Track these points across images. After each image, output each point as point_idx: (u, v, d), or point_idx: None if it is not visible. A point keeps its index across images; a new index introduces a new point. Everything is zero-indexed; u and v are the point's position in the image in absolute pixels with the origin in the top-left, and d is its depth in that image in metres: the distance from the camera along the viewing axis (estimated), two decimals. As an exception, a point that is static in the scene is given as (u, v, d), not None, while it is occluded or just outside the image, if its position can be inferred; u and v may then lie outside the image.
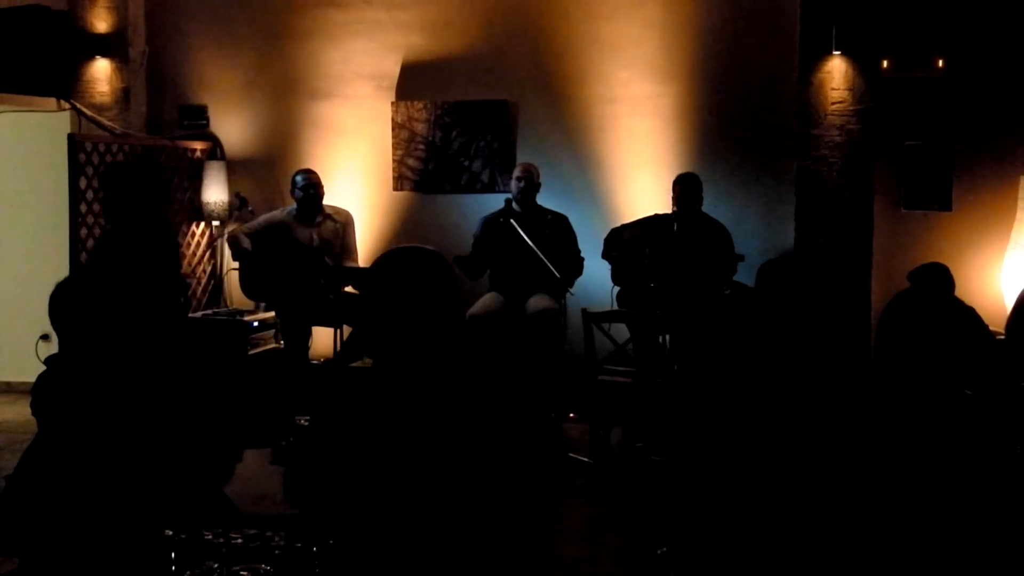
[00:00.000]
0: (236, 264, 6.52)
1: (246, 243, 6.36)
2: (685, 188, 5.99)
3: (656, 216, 6.11)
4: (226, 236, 6.78)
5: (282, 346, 6.59)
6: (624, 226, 6.15)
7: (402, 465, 2.63)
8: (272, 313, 6.64)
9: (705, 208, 6.13)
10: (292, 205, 6.49)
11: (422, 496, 2.64)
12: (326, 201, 6.51)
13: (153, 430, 2.84)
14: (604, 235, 6.14)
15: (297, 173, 6.47)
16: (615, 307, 5.98)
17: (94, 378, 2.83)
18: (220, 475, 3.06)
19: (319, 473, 2.66)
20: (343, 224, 6.47)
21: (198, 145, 7.17)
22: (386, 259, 2.56)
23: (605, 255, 6.10)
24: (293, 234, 6.34)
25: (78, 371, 2.84)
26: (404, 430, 2.65)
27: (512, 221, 5.92)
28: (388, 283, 2.47)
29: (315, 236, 6.34)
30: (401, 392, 2.68)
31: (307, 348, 6.37)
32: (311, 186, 6.38)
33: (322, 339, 6.65)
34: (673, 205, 6.03)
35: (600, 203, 6.65)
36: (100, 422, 2.78)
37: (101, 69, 7.03)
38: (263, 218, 6.57)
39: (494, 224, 6.13)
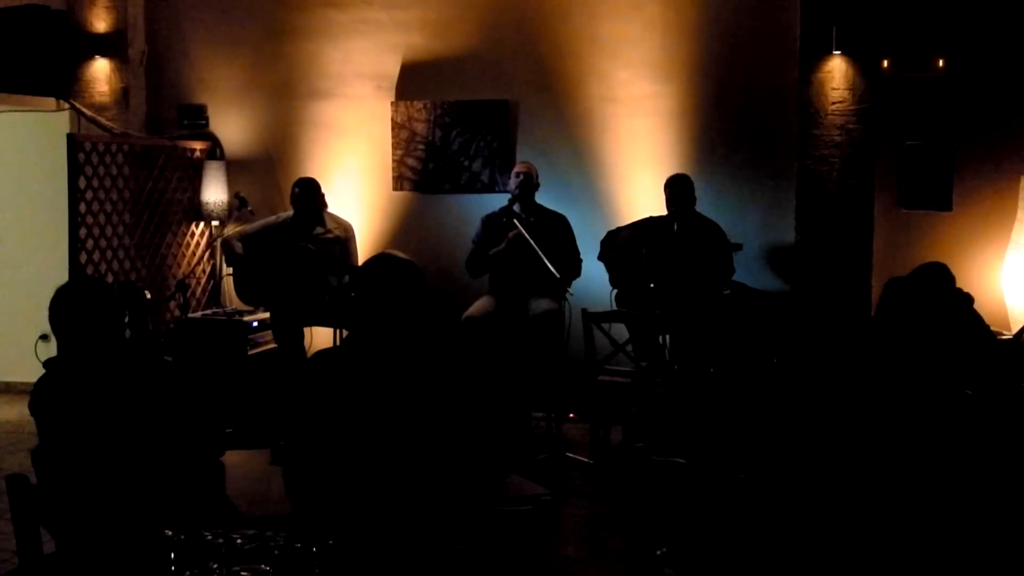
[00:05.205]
0: (230, 270, 6.52)
1: (238, 248, 6.36)
2: (676, 189, 5.99)
3: (651, 218, 6.10)
4: (219, 242, 6.77)
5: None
6: (619, 229, 6.15)
7: (398, 465, 2.63)
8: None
9: (705, 208, 6.13)
10: (291, 211, 6.48)
11: (421, 496, 2.63)
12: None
13: (151, 431, 2.84)
14: (603, 235, 6.14)
15: (295, 183, 6.46)
16: (615, 307, 5.97)
17: (92, 380, 2.83)
18: (219, 475, 3.06)
19: (318, 473, 2.66)
20: (344, 240, 6.46)
21: (197, 145, 7.16)
22: (365, 266, 2.84)
23: (602, 258, 6.10)
24: (290, 238, 6.33)
25: (77, 374, 2.84)
26: (400, 429, 2.65)
27: (514, 221, 5.91)
28: (365, 288, 2.74)
29: (312, 245, 6.33)
30: (397, 391, 2.68)
31: (303, 348, 6.36)
32: (303, 199, 6.34)
33: (322, 340, 6.65)
34: (668, 206, 6.02)
35: (600, 203, 6.64)
36: (98, 424, 2.77)
37: (100, 69, 7.02)
38: (259, 223, 6.56)
39: (495, 223, 6.12)
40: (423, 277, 2.76)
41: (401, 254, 2.87)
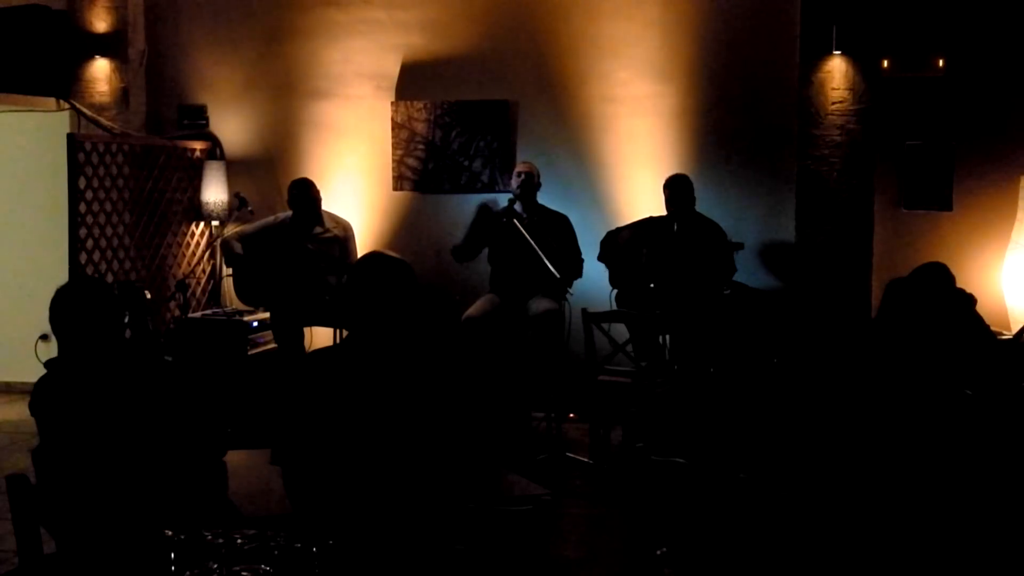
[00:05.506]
0: (230, 270, 6.52)
1: (238, 248, 6.36)
2: (676, 190, 6.00)
3: (651, 218, 6.11)
4: (218, 242, 6.77)
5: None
6: (619, 229, 6.15)
7: (398, 465, 2.63)
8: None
9: (705, 208, 6.14)
10: (290, 212, 6.49)
11: (420, 496, 2.63)
12: (326, 205, 6.51)
13: (152, 432, 2.84)
14: (603, 235, 6.14)
15: (290, 185, 6.46)
16: (615, 307, 5.97)
17: (93, 380, 2.82)
18: (221, 476, 3.05)
19: (318, 473, 2.66)
20: (343, 239, 6.47)
21: (197, 145, 7.16)
22: (356, 265, 2.87)
23: (602, 258, 6.10)
24: (289, 238, 6.33)
25: (77, 374, 2.84)
26: (398, 429, 2.65)
27: (515, 221, 5.92)
28: (355, 287, 2.75)
29: (312, 245, 6.33)
30: (394, 390, 2.68)
31: (303, 348, 6.36)
32: (299, 200, 6.34)
33: (322, 340, 6.65)
34: (667, 207, 6.02)
35: (600, 203, 6.64)
36: (99, 424, 2.77)
37: (100, 69, 7.02)
38: (258, 223, 6.56)
39: (494, 217, 6.13)
40: (414, 276, 2.77)
41: (392, 253, 2.88)
